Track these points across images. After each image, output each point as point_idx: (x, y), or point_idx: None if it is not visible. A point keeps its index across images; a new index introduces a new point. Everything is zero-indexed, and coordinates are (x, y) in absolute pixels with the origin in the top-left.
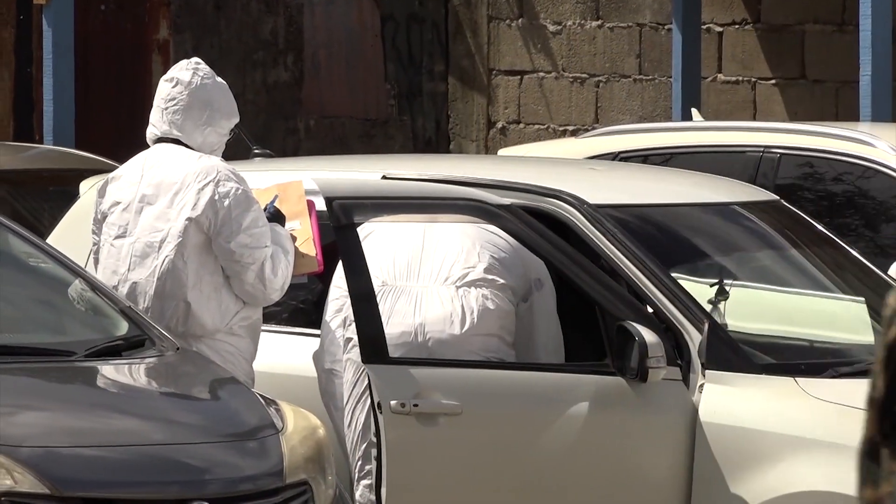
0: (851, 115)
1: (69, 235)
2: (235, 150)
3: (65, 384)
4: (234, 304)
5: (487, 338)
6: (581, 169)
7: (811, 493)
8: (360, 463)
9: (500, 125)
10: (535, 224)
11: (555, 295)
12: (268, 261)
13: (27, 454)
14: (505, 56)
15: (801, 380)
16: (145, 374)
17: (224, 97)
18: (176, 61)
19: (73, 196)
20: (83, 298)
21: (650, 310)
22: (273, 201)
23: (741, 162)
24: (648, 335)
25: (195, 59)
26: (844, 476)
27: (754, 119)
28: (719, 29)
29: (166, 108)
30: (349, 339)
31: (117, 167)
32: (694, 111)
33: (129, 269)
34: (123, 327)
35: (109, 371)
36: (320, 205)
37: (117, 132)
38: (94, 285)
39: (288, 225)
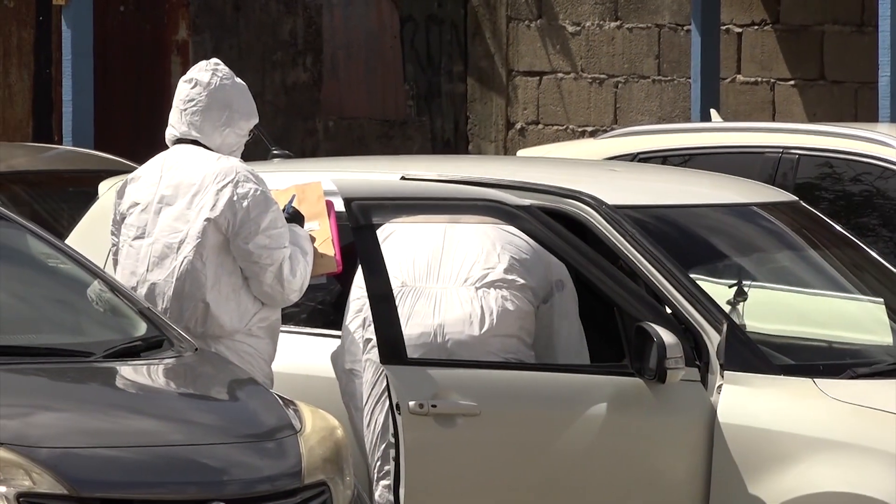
0: (870, 116)
1: (88, 236)
2: (254, 151)
3: (83, 385)
4: (252, 304)
5: (506, 339)
6: (600, 170)
7: (829, 494)
8: (378, 463)
9: (518, 126)
10: (554, 225)
11: (576, 297)
12: (286, 262)
13: (45, 455)
14: (524, 57)
15: (819, 381)
16: (163, 375)
17: (243, 98)
18: (195, 62)
19: (91, 197)
20: (102, 299)
21: (669, 311)
22: (291, 202)
23: (760, 163)
24: (667, 336)
25: (214, 59)
26: (862, 477)
27: (773, 120)
28: (738, 30)
29: (185, 109)
30: (368, 340)
31: (136, 168)
32: (713, 112)
33: (147, 270)
34: (142, 328)
35: (128, 372)
36: (339, 205)
37: (136, 133)
38: (112, 286)
39: (307, 226)
